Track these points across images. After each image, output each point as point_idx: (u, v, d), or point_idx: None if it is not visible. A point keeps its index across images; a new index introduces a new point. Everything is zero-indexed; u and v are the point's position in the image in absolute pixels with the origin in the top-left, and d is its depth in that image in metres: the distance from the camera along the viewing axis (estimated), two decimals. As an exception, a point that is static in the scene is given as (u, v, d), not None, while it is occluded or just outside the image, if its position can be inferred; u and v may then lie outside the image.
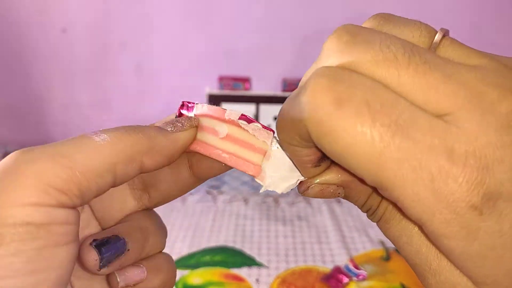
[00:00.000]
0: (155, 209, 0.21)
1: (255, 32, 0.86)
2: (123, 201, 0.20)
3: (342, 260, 0.61)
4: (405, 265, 0.60)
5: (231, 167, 0.20)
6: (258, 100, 0.90)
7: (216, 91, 0.90)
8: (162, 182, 0.20)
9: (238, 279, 0.57)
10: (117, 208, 0.20)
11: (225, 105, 0.90)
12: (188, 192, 0.76)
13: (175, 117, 0.19)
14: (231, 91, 0.90)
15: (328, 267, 0.59)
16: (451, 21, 0.85)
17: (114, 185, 0.16)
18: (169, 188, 0.20)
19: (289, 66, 0.89)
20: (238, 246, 0.62)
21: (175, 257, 0.60)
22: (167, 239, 0.21)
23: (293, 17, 0.85)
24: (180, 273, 0.56)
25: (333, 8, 0.84)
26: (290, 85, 0.88)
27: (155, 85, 0.91)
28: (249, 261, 0.60)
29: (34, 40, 0.88)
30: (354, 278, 0.57)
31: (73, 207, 0.15)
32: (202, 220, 0.69)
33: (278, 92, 0.89)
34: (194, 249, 0.61)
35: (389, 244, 0.65)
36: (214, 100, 0.90)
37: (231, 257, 0.60)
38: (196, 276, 0.56)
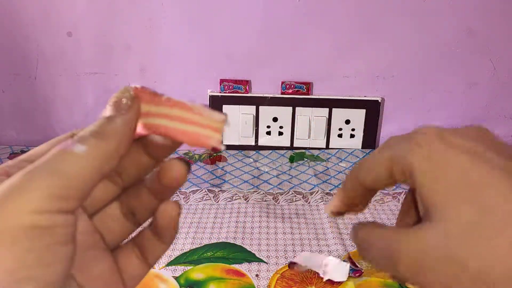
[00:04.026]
0: None
1: (254, 37, 0.87)
2: (105, 186, 0.23)
3: (339, 256, 0.61)
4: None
5: (182, 142, 0.22)
6: (258, 101, 0.91)
7: (217, 93, 0.91)
8: (128, 168, 0.23)
9: (239, 274, 0.57)
10: (100, 193, 0.23)
11: (226, 107, 0.91)
12: (190, 191, 0.77)
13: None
14: (232, 93, 0.91)
15: (325, 263, 0.60)
16: (447, 24, 0.85)
17: (102, 179, 0.19)
18: (136, 172, 0.23)
19: (287, 69, 0.89)
20: (238, 242, 0.63)
21: (178, 253, 0.60)
22: None
23: (291, 22, 0.86)
24: (182, 269, 0.57)
25: (331, 12, 0.84)
26: (289, 87, 0.89)
27: (159, 87, 0.91)
28: (249, 257, 0.60)
29: (40, 43, 0.89)
30: (351, 274, 0.58)
31: (72, 212, 0.17)
32: (204, 217, 0.69)
33: (277, 94, 0.90)
34: (197, 245, 0.62)
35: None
36: (216, 101, 0.91)
37: (232, 253, 0.60)
38: (198, 271, 0.57)
